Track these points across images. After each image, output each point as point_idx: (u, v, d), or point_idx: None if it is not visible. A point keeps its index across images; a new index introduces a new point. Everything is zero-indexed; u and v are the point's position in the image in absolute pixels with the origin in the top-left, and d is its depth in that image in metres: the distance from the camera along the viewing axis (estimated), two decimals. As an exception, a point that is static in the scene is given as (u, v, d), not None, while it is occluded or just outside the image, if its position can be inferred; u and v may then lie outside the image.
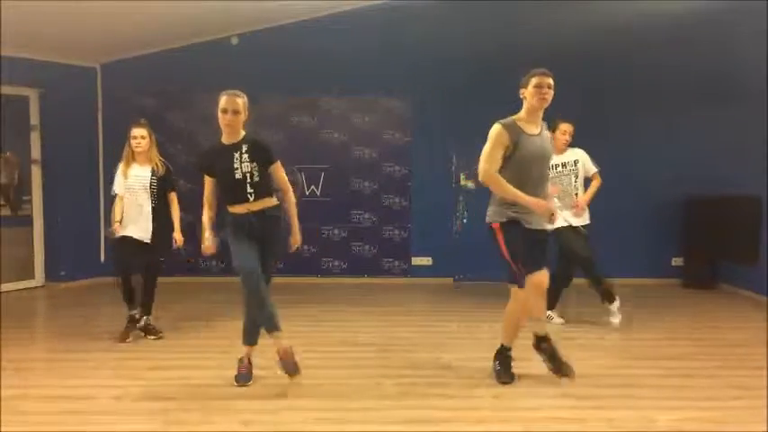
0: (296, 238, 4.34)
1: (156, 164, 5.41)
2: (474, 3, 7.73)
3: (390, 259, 8.25)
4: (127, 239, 5.32)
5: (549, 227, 4.29)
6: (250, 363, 4.35)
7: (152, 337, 5.39)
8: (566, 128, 5.77)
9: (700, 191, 7.77)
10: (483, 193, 7.99)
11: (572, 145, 5.89)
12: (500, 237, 4.20)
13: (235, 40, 7.95)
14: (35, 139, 7.71)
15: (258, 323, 4.21)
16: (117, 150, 7.93)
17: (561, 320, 5.94)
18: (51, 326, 6.26)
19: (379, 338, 5.47)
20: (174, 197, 5.52)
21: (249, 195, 4.12)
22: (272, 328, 4.14)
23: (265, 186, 4.17)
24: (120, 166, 5.40)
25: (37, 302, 7.13)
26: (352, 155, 8.12)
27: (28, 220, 7.74)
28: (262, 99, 8.01)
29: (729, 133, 7.64)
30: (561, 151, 5.81)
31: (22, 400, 3.95)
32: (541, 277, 4.25)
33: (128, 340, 5.31)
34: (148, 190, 5.36)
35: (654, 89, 7.95)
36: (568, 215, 5.80)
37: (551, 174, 5.52)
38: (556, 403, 3.95)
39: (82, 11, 6.39)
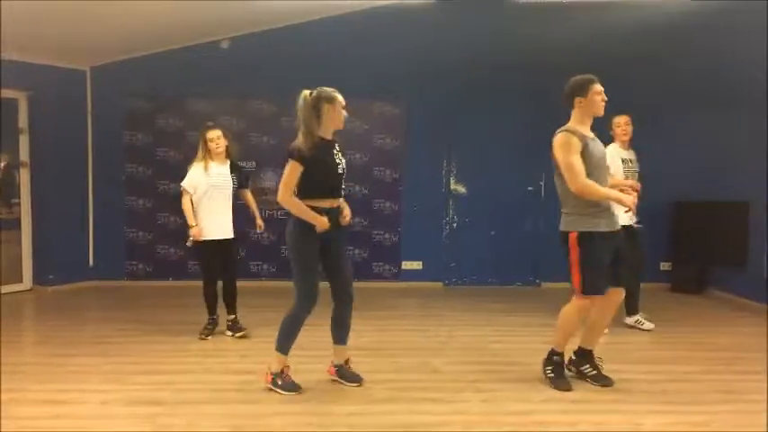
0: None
1: (232, 162, 5.66)
2: (467, 6, 7.75)
3: (381, 263, 8.26)
4: (210, 243, 5.50)
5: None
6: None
7: (238, 334, 5.62)
8: (619, 120, 5.67)
9: (688, 196, 7.82)
10: (473, 198, 8.16)
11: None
12: (579, 247, 4.17)
13: (225, 44, 7.94)
14: (24, 141, 7.67)
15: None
16: (107, 153, 8.04)
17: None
18: (40, 330, 6.22)
19: (368, 342, 5.46)
20: (248, 193, 5.83)
21: (342, 191, 4.22)
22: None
23: None
24: (198, 166, 5.49)
25: (25, 306, 7.08)
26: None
27: (16, 223, 7.69)
28: (252, 102, 8.06)
29: (718, 138, 7.68)
30: (625, 146, 5.76)
31: (11, 404, 3.92)
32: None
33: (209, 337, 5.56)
34: (231, 188, 5.58)
35: (642, 94, 7.99)
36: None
37: (623, 167, 5.59)
38: (544, 407, 3.96)
39: (72, 13, 6.37)
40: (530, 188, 8.12)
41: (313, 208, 4.04)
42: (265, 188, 7.81)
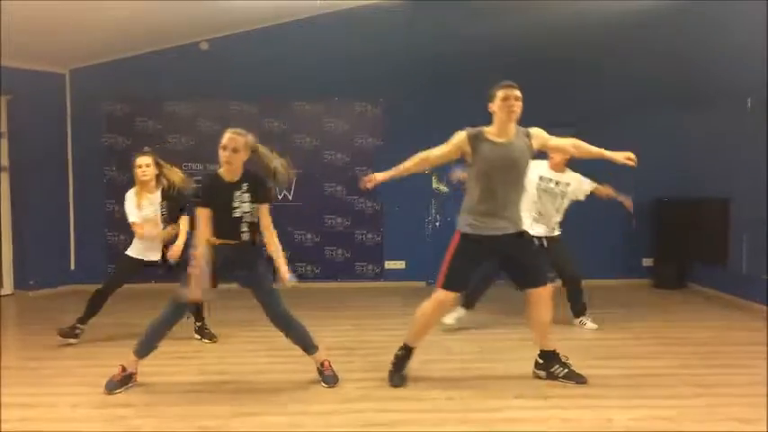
0: (284, 276, 4.20)
1: (168, 185, 5.40)
2: (444, 4, 7.76)
3: (363, 263, 8.26)
4: (135, 260, 5.40)
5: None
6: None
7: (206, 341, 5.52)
8: None
9: (669, 193, 7.85)
10: (456, 197, 8.14)
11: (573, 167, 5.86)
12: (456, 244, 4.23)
13: (204, 46, 7.94)
14: (3, 145, 7.64)
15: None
16: (86, 156, 8.01)
17: (452, 322, 5.76)
18: (17, 334, 6.19)
19: (346, 342, 5.47)
20: (183, 219, 5.43)
21: (242, 234, 4.15)
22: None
23: (257, 225, 4.21)
24: (132, 195, 5.35)
25: (5, 311, 7.03)
26: (323, 159, 8.13)
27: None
28: (232, 104, 8.04)
29: (698, 136, 7.72)
30: (558, 169, 5.81)
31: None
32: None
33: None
34: (159, 217, 5.38)
35: (623, 92, 8.03)
36: (541, 229, 5.77)
37: (541, 184, 5.71)
38: (515, 404, 3.96)
39: (50, 17, 6.35)
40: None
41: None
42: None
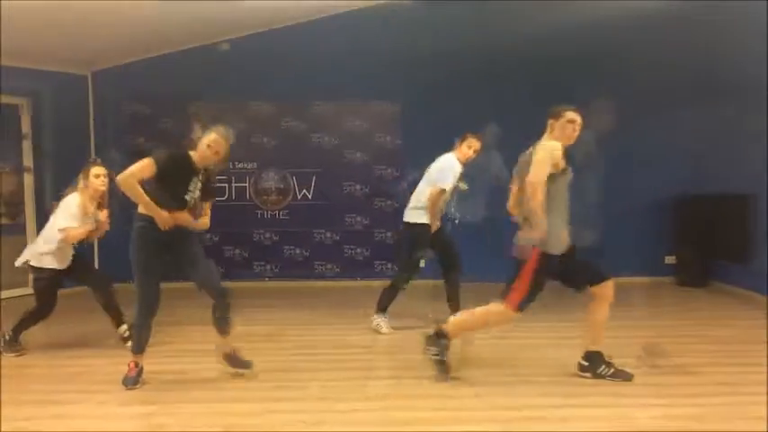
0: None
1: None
2: (462, 4, 7.75)
3: (383, 261, 8.27)
4: (56, 272, 5.25)
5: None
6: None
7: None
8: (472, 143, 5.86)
9: (691, 189, 7.78)
10: (474, 194, 8.13)
11: None
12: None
13: (225, 46, 8.00)
14: (26, 147, 7.75)
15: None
16: (109, 157, 8.07)
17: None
18: (43, 332, 6.25)
19: (367, 340, 5.50)
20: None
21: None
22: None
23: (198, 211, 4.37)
24: (83, 202, 5.15)
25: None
26: (342, 158, 8.16)
27: (18, 229, 7.74)
28: (252, 104, 8.10)
29: (719, 132, 7.64)
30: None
31: (10, 405, 3.95)
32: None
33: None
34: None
35: (643, 89, 7.97)
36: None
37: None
38: (537, 402, 3.95)
39: (73, 19, 6.43)
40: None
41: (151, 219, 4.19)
42: (266, 188, 7.91)
